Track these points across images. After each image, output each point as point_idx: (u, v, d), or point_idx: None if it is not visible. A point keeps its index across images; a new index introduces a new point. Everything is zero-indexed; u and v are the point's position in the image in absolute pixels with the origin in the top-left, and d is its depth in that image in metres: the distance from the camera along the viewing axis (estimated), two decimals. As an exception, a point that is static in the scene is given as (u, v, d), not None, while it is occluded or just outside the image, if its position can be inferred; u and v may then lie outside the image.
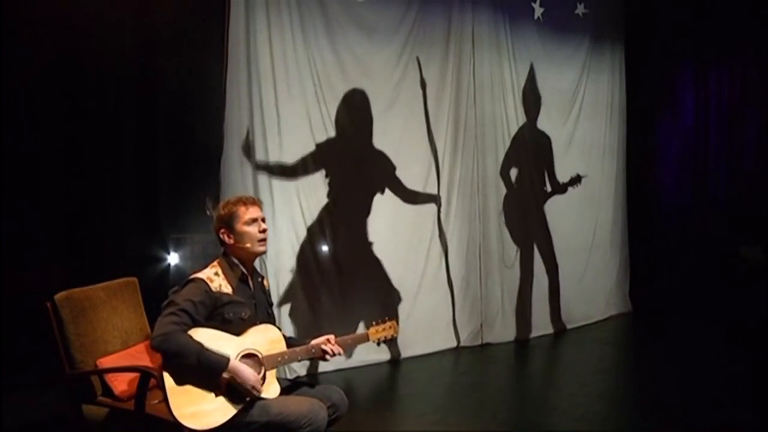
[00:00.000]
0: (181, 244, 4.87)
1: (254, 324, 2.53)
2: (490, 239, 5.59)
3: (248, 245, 2.57)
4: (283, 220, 4.53)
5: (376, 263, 5.00)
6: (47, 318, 2.70)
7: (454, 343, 5.38)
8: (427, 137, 5.26)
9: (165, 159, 4.81)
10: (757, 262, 6.58)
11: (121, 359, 2.80)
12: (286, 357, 2.55)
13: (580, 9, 6.27)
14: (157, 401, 2.52)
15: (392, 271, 5.05)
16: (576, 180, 6.07)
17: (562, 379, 4.81)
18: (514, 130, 5.80)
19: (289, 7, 4.54)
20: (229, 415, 2.35)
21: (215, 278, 2.50)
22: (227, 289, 2.51)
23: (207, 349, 2.32)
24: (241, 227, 2.56)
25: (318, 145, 4.71)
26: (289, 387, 2.63)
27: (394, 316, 4.89)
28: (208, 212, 4.23)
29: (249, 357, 2.45)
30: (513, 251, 5.77)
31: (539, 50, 5.97)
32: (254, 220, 2.58)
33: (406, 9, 5.15)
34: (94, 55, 4.44)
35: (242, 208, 2.58)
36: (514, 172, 5.79)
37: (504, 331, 5.62)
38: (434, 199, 5.30)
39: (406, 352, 5.07)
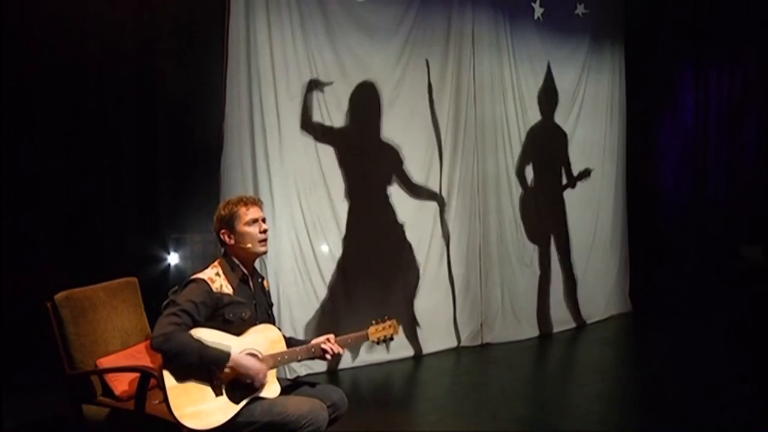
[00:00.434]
0: (181, 244, 4.88)
1: (254, 324, 2.53)
2: (490, 239, 5.59)
3: (249, 246, 2.57)
4: (283, 220, 4.53)
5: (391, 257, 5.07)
6: (47, 318, 2.70)
7: (454, 343, 5.38)
8: (427, 137, 5.26)
9: (165, 159, 4.82)
10: (757, 262, 6.58)
11: (121, 359, 2.80)
12: (286, 357, 2.55)
13: (580, 9, 6.27)
14: (157, 401, 2.52)
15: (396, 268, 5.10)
16: (585, 174, 6.16)
17: (562, 379, 4.81)
18: (514, 130, 5.80)
19: (289, 7, 4.54)
20: (229, 415, 2.35)
21: (216, 279, 2.50)
22: (228, 289, 2.51)
23: (208, 346, 2.32)
24: (242, 228, 2.56)
25: (332, 135, 4.77)
26: (289, 387, 2.63)
27: (409, 314, 5.03)
28: None
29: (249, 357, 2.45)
30: (530, 249, 5.84)
31: (539, 50, 5.97)
32: (255, 221, 2.58)
33: (406, 9, 5.14)
34: (93, 55, 4.45)
35: (243, 209, 2.57)
36: (529, 171, 5.86)
37: (504, 331, 5.62)
38: (435, 196, 5.31)
39: (406, 351, 5.07)
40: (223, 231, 2.57)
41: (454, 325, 5.41)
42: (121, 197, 4.63)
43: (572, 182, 6.16)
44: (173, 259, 4.86)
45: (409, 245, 5.18)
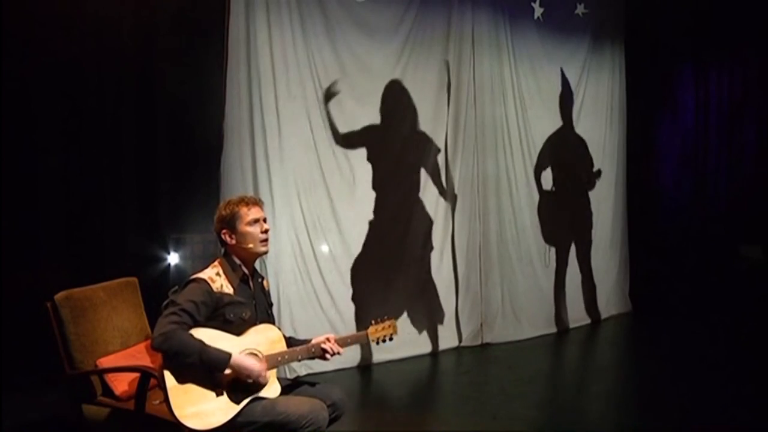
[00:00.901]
0: (181, 243, 4.87)
1: (254, 324, 2.53)
2: (490, 239, 5.59)
3: (251, 246, 2.57)
4: (283, 220, 4.53)
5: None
6: (47, 318, 2.70)
7: (455, 343, 5.38)
8: (428, 137, 5.26)
9: (165, 159, 4.81)
10: (757, 262, 6.58)
11: (121, 359, 2.80)
12: (287, 357, 2.55)
13: (580, 9, 6.27)
14: (158, 401, 2.52)
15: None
16: (597, 174, 6.32)
17: (561, 379, 4.81)
18: (514, 130, 5.81)
19: (289, 7, 4.54)
20: (230, 415, 2.35)
21: (216, 278, 2.50)
22: (228, 289, 2.51)
23: (208, 347, 2.32)
24: (243, 228, 2.55)
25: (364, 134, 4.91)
26: (289, 387, 2.63)
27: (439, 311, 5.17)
28: None
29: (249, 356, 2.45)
30: (546, 250, 5.95)
31: (539, 50, 5.97)
32: (256, 221, 2.58)
33: (406, 9, 5.15)
34: (93, 54, 4.44)
35: (244, 209, 2.57)
36: (548, 175, 5.96)
37: (504, 331, 5.62)
38: (448, 197, 5.37)
39: (406, 351, 5.07)
40: (224, 231, 2.57)
41: (456, 325, 5.41)
42: (121, 197, 4.63)
43: (591, 184, 6.31)
44: (173, 259, 4.86)
45: (421, 243, 5.21)
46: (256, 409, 2.40)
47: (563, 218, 6.06)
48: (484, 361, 5.13)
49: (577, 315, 6.18)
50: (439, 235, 5.32)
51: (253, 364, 2.39)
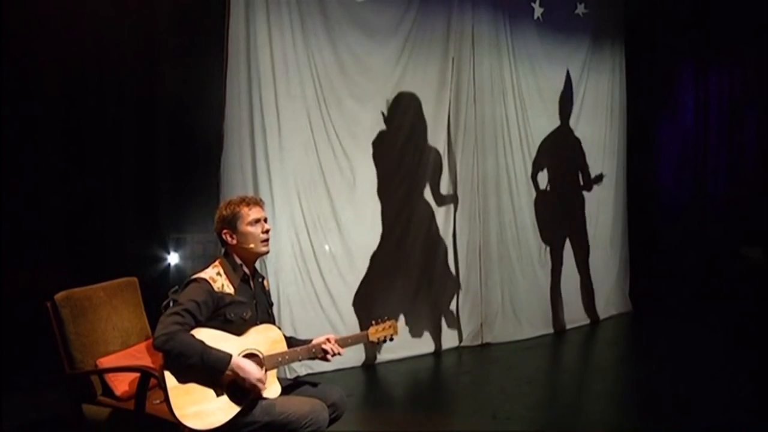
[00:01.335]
0: (181, 243, 4.88)
1: (255, 324, 2.53)
2: (490, 239, 5.59)
3: (252, 246, 2.57)
4: (283, 219, 4.53)
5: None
6: (47, 318, 2.70)
7: (456, 342, 5.39)
8: (428, 137, 5.26)
9: (165, 159, 4.82)
10: (757, 262, 6.58)
11: (122, 359, 2.80)
12: (287, 357, 2.55)
13: (580, 9, 6.27)
14: (157, 401, 2.52)
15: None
16: (599, 178, 6.28)
17: (561, 379, 4.81)
18: (514, 130, 5.80)
19: (289, 7, 4.54)
20: (230, 415, 2.35)
21: (217, 278, 2.50)
22: (229, 289, 2.50)
23: (210, 348, 2.32)
24: (244, 228, 2.55)
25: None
26: (289, 387, 2.63)
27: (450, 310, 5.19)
28: None
29: (250, 357, 2.45)
30: (542, 250, 5.94)
31: (539, 50, 5.98)
32: (257, 221, 2.58)
33: (406, 9, 5.15)
34: (93, 54, 4.45)
35: (245, 209, 2.57)
36: (544, 175, 5.94)
37: (504, 330, 5.62)
38: (450, 198, 5.38)
39: (407, 350, 5.07)
40: (225, 231, 2.57)
41: (456, 325, 5.41)
42: (121, 197, 4.63)
43: (588, 186, 6.27)
44: (173, 259, 4.86)
45: (422, 244, 5.22)
46: (257, 409, 2.40)
47: (558, 218, 6.03)
48: (485, 361, 5.13)
49: (577, 315, 6.17)
50: (441, 235, 5.31)
51: (253, 370, 2.37)
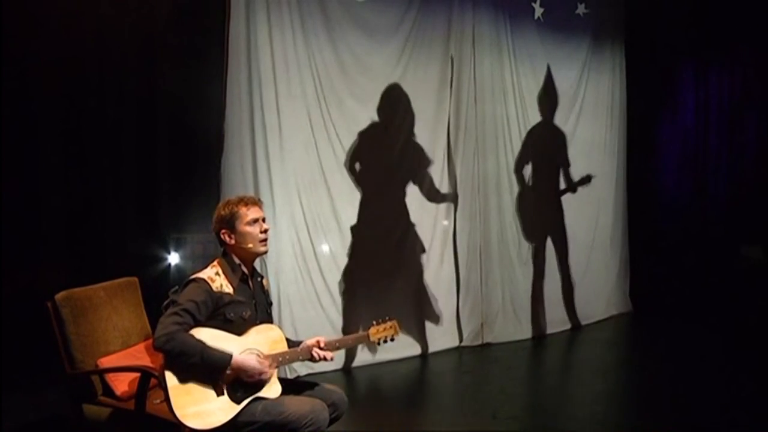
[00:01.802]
0: (181, 243, 4.88)
1: (255, 324, 2.53)
2: (490, 239, 5.59)
3: (250, 246, 2.56)
4: (283, 219, 4.53)
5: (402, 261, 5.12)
6: (48, 318, 2.70)
7: (456, 342, 5.38)
8: (428, 136, 5.26)
9: (165, 159, 4.82)
10: (758, 262, 6.58)
11: (122, 359, 2.80)
12: (287, 357, 2.55)
13: (581, 9, 6.26)
14: (158, 401, 2.52)
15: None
16: (586, 180, 6.15)
17: (562, 379, 4.81)
18: (514, 130, 5.80)
19: (289, 7, 4.54)
20: (231, 415, 2.35)
21: (216, 278, 2.50)
22: (228, 289, 2.50)
23: (210, 347, 2.32)
24: (242, 227, 2.55)
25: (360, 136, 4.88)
26: (289, 387, 2.62)
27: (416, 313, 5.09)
28: None
29: (250, 357, 2.45)
30: (526, 248, 5.83)
31: (539, 50, 5.97)
32: (256, 221, 2.58)
33: (407, 9, 5.14)
34: (94, 54, 4.45)
35: (243, 209, 2.57)
36: (528, 170, 5.84)
37: (504, 330, 5.62)
38: (450, 197, 5.36)
39: (408, 350, 5.07)
40: (223, 231, 2.57)
41: (457, 324, 5.41)
42: (121, 197, 4.63)
43: (572, 187, 6.14)
44: (173, 258, 4.86)
45: (414, 243, 5.19)
46: (257, 409, 2.40)
47: (538, 215, 5.93)
48: (485, 360, 5.13)
49: (578, 315, 6.17)
50: (440, 235, 5.31)
51: (254, 365, 2.39)
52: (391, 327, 2.78)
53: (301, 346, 2.60)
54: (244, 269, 2.60)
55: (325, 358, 2.58)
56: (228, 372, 2.35)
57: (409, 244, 5.16)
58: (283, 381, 2.56)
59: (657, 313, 6.65)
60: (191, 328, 2.35)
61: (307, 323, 4.56)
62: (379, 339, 2.75)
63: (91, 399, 2.72)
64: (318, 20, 4.69)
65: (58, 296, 2.71)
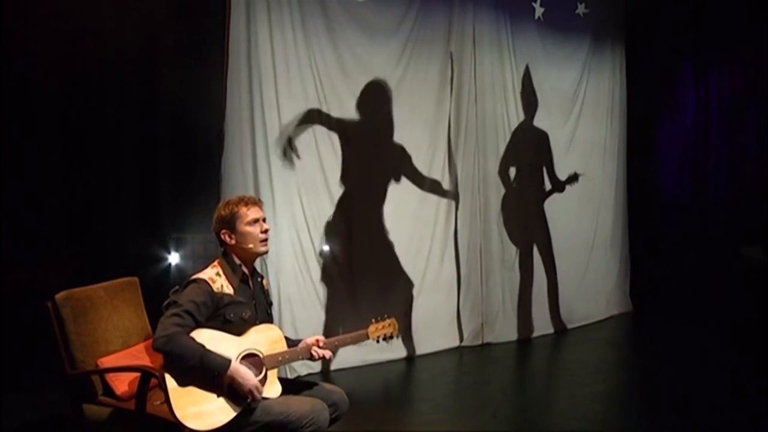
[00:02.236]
0: (181, 243, 4.88)
1: (255, 324, 2.53)
2: (490, 239, 5.59)
3: (250, 246, 2.56)
4: (284, 219, 4.53)
5: (390, 257, 5.06)
6: (48, 317, 2.70)
7: (456, 342, 5.38)
8: (428, 136, 5.26)
9: (165, 158, 4.82)
10: (758, 262, 6.58)
11: (122, 359, 2.80)
12: (287, 356, 2.55)
13: (581, 9, 6.27)
14: (158, 402, 2.51)
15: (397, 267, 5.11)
16: (573, 178, 6.06)
17: (562, 379, 4.81)
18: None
19: (290, 7, 4.54)
20: (231, 415, 2.35)
21: (217, 279, 2.50)
22: (228, 289, 2.50)
23: (209, 351, 2.32)
24: (243, 228, 2.55)
25: (338, 134, 4.81)
26: (290, 387, 2.62)
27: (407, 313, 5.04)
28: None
29: (250, 357, 2.45)
30: (512, 252, 5.77)
31: (540, 50, 5.97)
32: (256, 221, 2.57)
33: (407, 8, 5.15)
34: (94, 54, 4.45)
35: (244, 209, 2.57)
36: (512, 172, 5.78)
37: (504, 330, 5.62)
38: (451, 194, 5.34)
39: (410, 350, 5.07)
40: (223, 231, 2.57)
41: (457, 324, 5.41)
42: (121, 197, 4.64)
43: (560, 186, 6.04)
44: (174, 258, 4.86)
45: (412, 243, 5.18)
46: (257, 409, 2.39)
47: (524, 217, 5.84)
48: (485, 360, 5.12)
49: (577, 315, 6.17)
50: (440, 235, 5.31)
51: (249, 378, 2.36)
52: (390, 325, 2.78)
53: (300, 345, 2.60)
54: (245, 269, 2.59)
55: (324, 357, 2.59)
56: (225, 378, 2.34)
57: (408, 244, 5.15)
58: (283, 381, 2.55)
59: (657, 313, 6.65)
60: (192, 329, 2.35)
61: (307, 323, 4.56)
62: (378, 337, 2.75)
63: (91, 399, 2.72)
64: (318, 20, 4.69)
65: (59, 296, 2.70)
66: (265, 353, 2.48)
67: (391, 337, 2.79)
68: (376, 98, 4.97)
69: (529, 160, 5.88)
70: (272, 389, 2.46)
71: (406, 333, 5.09)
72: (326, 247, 4.76)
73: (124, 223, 4.65)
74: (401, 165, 5.12)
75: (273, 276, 4.42)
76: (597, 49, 6.42)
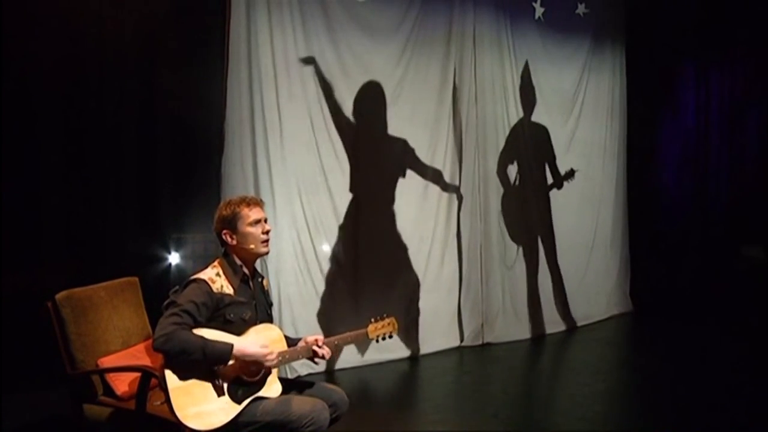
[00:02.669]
0: (181, 243, 4.87)
1: (255, 324, 2.53)
2: (491, 239, 5.59)
3: (252, 246, 2.56)
4: (284, 219, 4.53)
5: (393, 257, 5.08)
6: (48, 318, 2.70)
7: (457, 342, 5.38)
8: (429, 136, 5.26)
9: (166, 158, 4.81)
10: (758, 262, 6.58)
11: (122, 359, 2.80)
12: (287, 356, 2.55)
13: (581, 9, 6.27)
14: (158, 402, 2.51)
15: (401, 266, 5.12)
16: (570, 174, 6.05)
17: (562, 379, 4.81)
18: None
19: (290, 7, 4.54)
20: (231, 415, 2.35)
21: (217, 279, 2.49)
22: (229, 289, 2.50)
23: (209, 341, 2.32)
24: (244, 228, 2.55)
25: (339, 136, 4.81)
26: (290, 386, 2.62)
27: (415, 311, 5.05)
28: None
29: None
30: (513, 251, 5.77)
31: (540, 50, 5.98)
32: (258, 221, 2.57)
33: (407, 8, 5.15)
34: (94, 54, 4.44)
35: (246, 209, 2.56)
36: (513, 169, 5.78)
37: (505, 330, 5.62)
38: (452, 188, 5.34)
39: (405, 351, 5.07)
40: (225, 231, 2.56)
41: (458, 324, 5.41)
42: (122, 197, 4.63)
43: (558, 182, 6.06)
44: (174, 258, 4.86)
45: (412, 243, 5.18)
46: (258, 409, 2.39)
47: (526, 215, 5.84)
48: (485, 360, 5.12)
49: (578, 315, 6.16)
50: (440, 235, 5.30)
51: (256, 348, 2.38)
52: (389, 324, 2.78)
53: (300, 344, 2.60)
54: (245, 270, 2.59)
55: (324, 356, 2.59)
56: (231, 362, 2.34)
57: (408, 244, 5.15)
58: (283, 381, 2.56)
59: (657, 313, 6.65)
60: (191, 328, 2.34)
61: (308, 323, 4.56)
62: (378, 336, 2.75)
63: (91, 399, 2.72)
64: (319, 20, 4.70)
65: (59, 296, 2.71)
66: (266, 353, 2.48)
67: (391, 336, 2.80)
68: (376, 98, 4.98)
69: (529, 157, 5.88)
70: (272, 389, 2.46)
71: (409, 332, 5.09)
72: (327, 248, 4.76)
73: (124, 223, 4.64)
74: (404, 159, 5.14)
75: (273, 276, 4.42)
76: (597, 50, 6.42)
